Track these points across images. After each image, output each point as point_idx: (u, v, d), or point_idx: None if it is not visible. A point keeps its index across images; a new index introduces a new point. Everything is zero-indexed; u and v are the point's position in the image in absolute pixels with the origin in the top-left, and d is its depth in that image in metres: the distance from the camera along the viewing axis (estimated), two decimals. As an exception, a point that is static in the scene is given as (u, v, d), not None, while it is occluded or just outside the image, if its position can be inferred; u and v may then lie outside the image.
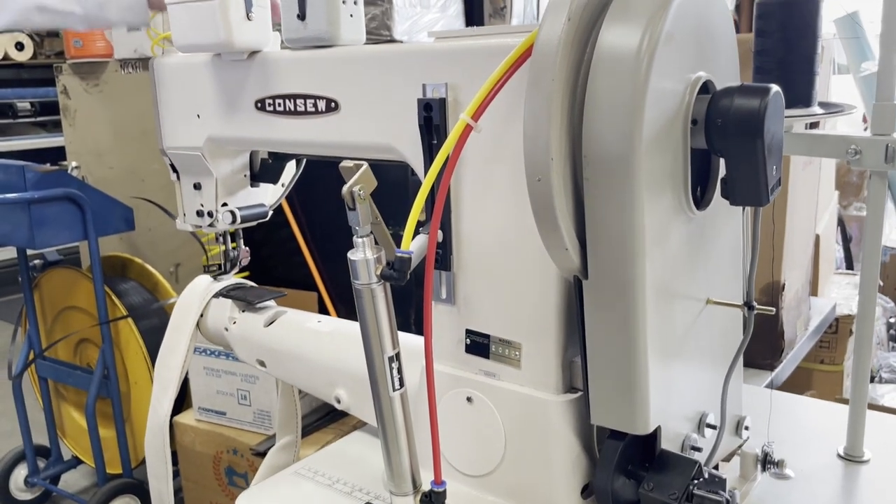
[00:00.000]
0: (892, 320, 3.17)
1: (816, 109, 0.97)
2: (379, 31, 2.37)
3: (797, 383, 2.23)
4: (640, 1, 0.70)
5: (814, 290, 2.25)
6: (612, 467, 0.80)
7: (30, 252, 2.58)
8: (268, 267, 2.69)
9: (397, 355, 0.81)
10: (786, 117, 0.95)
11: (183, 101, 1.18)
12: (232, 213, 1.21)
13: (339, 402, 1.09)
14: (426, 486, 0.84)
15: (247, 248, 1.33)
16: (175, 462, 2.60)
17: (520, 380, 0.87)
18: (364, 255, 0.77)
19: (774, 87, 0.73)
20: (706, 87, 0.78)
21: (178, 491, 2.83)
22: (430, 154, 0.88)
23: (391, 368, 0.81)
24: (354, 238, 0.77)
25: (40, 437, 2.80)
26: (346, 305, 2.41)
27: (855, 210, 3.80)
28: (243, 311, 1.24)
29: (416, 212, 0.75)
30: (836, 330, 2.44)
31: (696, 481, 0.79)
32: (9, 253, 2.62)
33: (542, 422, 0.85)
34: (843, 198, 3.75)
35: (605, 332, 0.76)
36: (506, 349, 0.88)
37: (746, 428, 1.01)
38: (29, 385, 2.85)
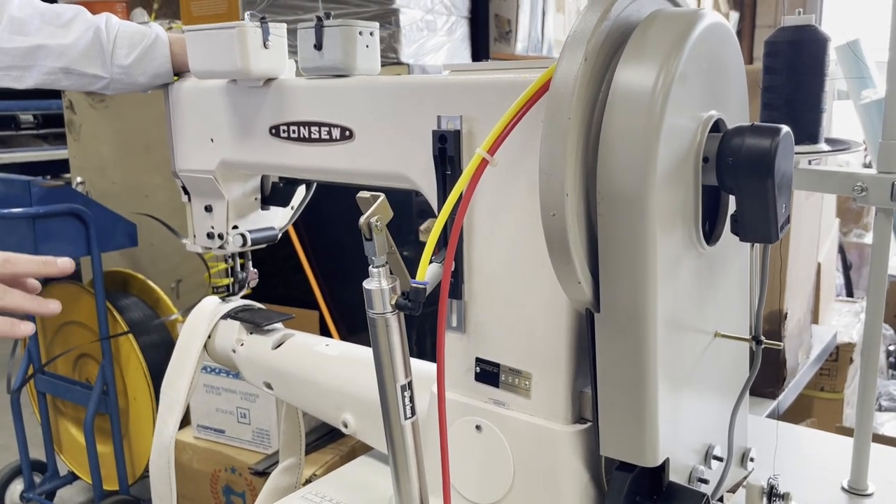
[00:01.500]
0: (891, 348, 3.18)
1: (823, 146, 0.99)
2: (386, 54, 2.40)
3: (798, 411, 2.23)
4: (655, 41, 0.72)
5: (815, 318, 2.26)
6: (621, 499, 0.81)
7: (32, 266, 2.59)
8: (269, 285, 2.69)
9: (409, 384, 0.82)
10: (795, 154, 0.97)
11: (197, 124, 1.19)
12: (243, 235, 1.22)
13: (346, 426, 1.09)
14: (435, 513, 0.85)
15: (255, 270, 1.34)
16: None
17: (529, 409, 0.88)
18: (379, 285, 0.78)
19: (785, 128, 0.74)
20: (717, 126, 0.79)
21: (175, 508, 2.82)
22: (443, 184, 0.89)
23: (403, 397, 0.81)
24: (370, 268, 0.78)
25: (37, 452, 2.80)
26: (347, 324, 2.42)
27: (855, 237, 3.82)
28: (251, 334, 1.25)
29: (432, 244, 0.77)
30: (836, 358, 2.45)
31: (703, 514, 0.80)
32: (11, 267, 2.62)
33: (551, 452, 0.86)
34: (844, 224, 3.78)
35: (616, 365, 0.77)
36: (515, 378, 0.89)
37: (752, 459, 1.02)
38: (27, 399, 2.85)
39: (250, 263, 1.33)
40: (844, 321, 2.59)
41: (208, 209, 1.24)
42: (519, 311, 0.87)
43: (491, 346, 0.91)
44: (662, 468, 0.82)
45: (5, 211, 2.35)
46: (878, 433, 2.64)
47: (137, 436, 2.67)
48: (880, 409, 2.83)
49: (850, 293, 3.26)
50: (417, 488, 0.84)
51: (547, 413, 0.87)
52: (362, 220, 0.76)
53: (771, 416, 1.65)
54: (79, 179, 2.76)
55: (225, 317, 1.27)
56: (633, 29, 0.76)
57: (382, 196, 0.78)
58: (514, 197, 0.85)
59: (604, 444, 0.81)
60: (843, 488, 1.02)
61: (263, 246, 1.29)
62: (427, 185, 0.92)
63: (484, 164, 0.77)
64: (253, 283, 1.33)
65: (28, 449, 2.71)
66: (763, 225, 0.76)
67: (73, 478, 2.85)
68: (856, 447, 1.01)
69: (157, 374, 2.49)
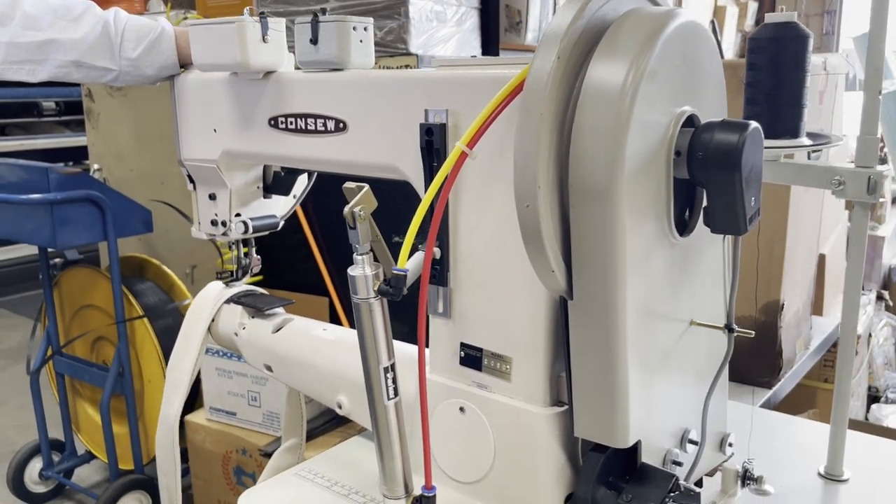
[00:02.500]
0: (900, 340, 3.17)
1: (804, 140, 1.01)
2: (395, 45, 2.43)
3: (800, 402, 2.25)
4: (626, 39, 0.75)
5: (818, 310, 2.27)
6: (594, 478, 0.84)
7: (50, 251, 2.65)
8: (280, 271, 2.75)
9: (392, 366, 0.86)
10: (774, 148, 1.00)
11: (201, 115, 1.23)
12: (244, 223, 1.26)
13: (340, 407, 1.13)
14: (417, 490, 0.89)
15: (258, 257, 1.39)
16: (186, 460, 2.67)
17: (510, 392, 0.92)
18: (363, 272, 0.82)
19: (753, 124, 0.77)
20: (691, 121, 0.82)
21: (187, 488, 2.90)
22: (430, 175, 0.93)
23: (386, 378, 0.85)
24: (354, 255, 0.82)
25: (56, 432, 2.88)
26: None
27: (869, 229, 3.80)
28: (252, 318, 1.30)
29: (413, 232, 0.80)
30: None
31: (672, 494, 0.83)
32: (31, 250, 2.70)
33: (530, 433, 0.90)
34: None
35: (589, 350, 0.81)
36: (497, 363, 0.92)
37: (730, 444, 1.05)
38: (46, 380, 2.93)
39: (254, 250, 1.37)
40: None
41: (212, 197, 1.28)
42: (501, 298, 0.91)
43: (475, 332, 0.94)
44: (635, 450, 0.86)
45: (24, 197, 2.42)
46: (882, 425, 2.65)
47: (152, 417, 2.74)
48: (886, 400, 2.83)
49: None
50: (401, 465, 0.88)
51: (526, 396, 0.90)
52: (346, 209, 0.80)
53: (765, 405, 1.67)
54: (96, 166, 2.82)
55: (228, 301, 1.32)
56: (608, 27, 0.79)
57: (367, 187, 0.82)
58: (497, 188, 0.88)
59: (577, 425, 0.85)
60: (819, 474, 1.05)
61: (266, 233, 1.33)
62: (416, 176, 0.96)
63: (463, 156, 0.81)
64: (256, 269, 1.38)
65: (47, 428, 2.79)
66: (732, 217, 0.79)
67: (90, 457, 2.93)
68: (832, 434, 1.03)
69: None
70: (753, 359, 1.72)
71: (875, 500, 1.00)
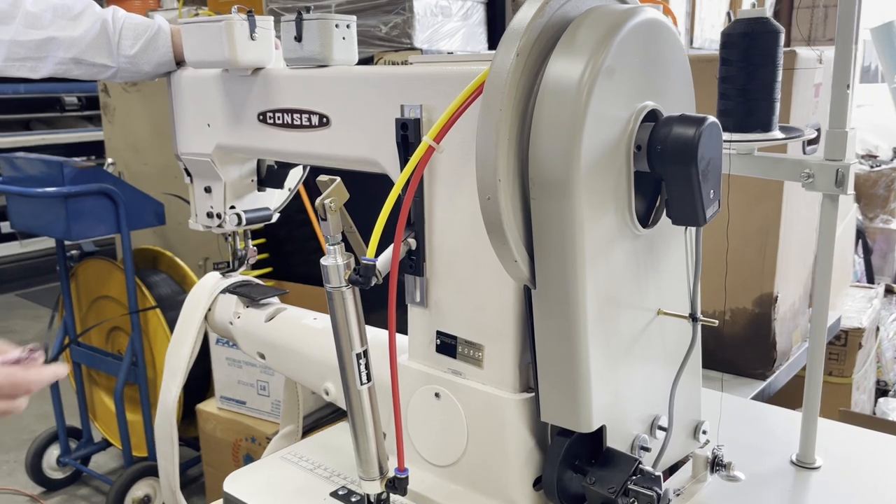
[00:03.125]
0: (905, 334, 3.15)
1: (777, 134, 1.03)
2: (400, 39, 2.46)
3: (796, 394, 2.25)
4: (583, 38, 0.77)
5: (819, 303, 2.27)
6: (558, 461, 0.87)
7: (67, 243, 2.72)
8: (290, 264, 2.80)
9: (365, 352, 0.89)
10: (746, 141, 1.01)
11: (195, 111, 1.27)
12: (238, 215, 1.30)
13: (327, 394, 1.17)
14: (392, 472, 0.93)
15: (254, 248, 1.43)
16: (197, 448, 2.72)
17: (482, 378, 0.95)
18: (335, 261, 0.85)
19: (711, 118, 0.79)
20: (654, 115, 0.84)
21: (199, 476, 2.96)
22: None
23: (359, 364, 0.89)
24: (326, 245, 0.85)
25: (73, 420, 2.95)
26: (365, 303, 2.50)
27: (881, 222, 3.77)
28: (247, 307, 1.34)
29: (381, 224, 0.83)
30: (845, 342, 2.46)
31: (634, 477, 0.86)
32: (51, 242, 2.76)
33: (500, 418, 0.93)
34: (869, 210, 3.74)
35: (552, 337, 0.84)
36: (470, 350, 0.95)
37: (704, 432, 1.08)
38: (64, 369, 3.00)
39: (249, 241, 1.41)
40: (857, 306, 2.59)
41: (208, 190, 1.32)
42: (473, 288, 0.94)
43: (449, 320, 0.97)
44: (600, 434, 0.88)
45: (40, 190, 2.49)
46: (886, 418, 2.65)
47: (165, 405, 2.80)
48: (895, 394, 2.82)
49: (870, 279, 3.23)
50: (375, 448, 0.92)
51: (497, 382, 0.93)
52: (318, 201, 0.83)
53: (758, 397, 1.69)
54: (109, 160, 2.89)
55: (224, 291, 1.36)
56: (569, 25, 0.81)
57: (338, 179, 0.85)
58: (468, 182, 0.91)
59: (543, 410, 0.88)
60: (791, 461, 1.07)
61: (260, 225, 1.37)
62: (394, 170, 0.99)
63: (430, 150, 0.84)
64: (252, 261, 1.42)
65: (64, 416, 2.86)
66: (690, 209, 0.81)
67: (106, 444, 3.00)
68: (804, 422, 1.05)
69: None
70: (748, 351, 1.74)
71: (845, 487, 1.02)
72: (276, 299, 1.36)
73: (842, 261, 2.59)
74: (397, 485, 0.92)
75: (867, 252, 3.25)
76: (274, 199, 1.39)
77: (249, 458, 2.48)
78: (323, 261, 0.86)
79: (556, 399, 0.86)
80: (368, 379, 0.90)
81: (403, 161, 0.96)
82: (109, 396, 3.00)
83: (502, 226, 0.79)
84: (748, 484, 1.01)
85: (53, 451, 2.96)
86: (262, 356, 1.30)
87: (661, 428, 0.98)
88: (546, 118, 0.77)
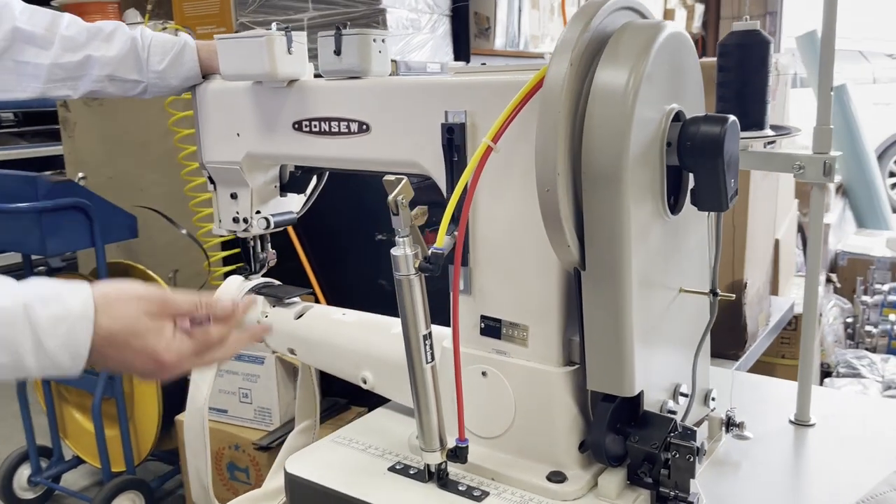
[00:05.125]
0: (848, 320, 3.40)
1: (768, 132, 1.17)
2: (374, 52, 2.54)
3: (767, 371, 2.44)
4: (626, 48, 0.89)
5: (774, 290, 2.47)
6: (605, 424, 0.98)
7: (34, 257, 2.70)
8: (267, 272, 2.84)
9: (430, 334, 0.98)
10: (743, 139, 1.15)
11: (223, 121, 1.34)
12: (266, 219, 1.38)
13: (364, 382, 1.26)
14: (450, 445, 1.02)
15: (273, 251, 1.50)
16: (170, 461, 2.73)
17: (527, 356, 1.05)
18: (404, 252, 0.95)
19: (731, 117, 0.92)
20: (678, 116, 0.97)
21: (175, 489, 2.97)
22: (451, 168, 1.06)
23: (425, 345, 0.98)
24: (397, 238, 0.95)
25: (43, 440, 2.92)
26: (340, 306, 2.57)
27: (815, 218, 4.04)
28: (274, 307, 1.41)
29: (448, 215, 0.93)
30: (795, 327, 2.67)
31: (672, 434, 0.97)
32: (15, 258, 2.74)
33: (547, 390, 1.03)
34: (804, 206, 4.01)
35: (600, 313, 0.95)
36: (515, 331, 1.06)
37: (713, 399, 1.20)
38: (31, 389, 2.96)
39: (269, 245, 1.48)
40: (803, 294, 2.80)
41: (233, 196, 1.39)
42: (516, 274, 1.04)
43: (493, 305, 1.07)
44: (639, 399, 1.00)
45: (13, 206, 2.47)
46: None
47: (142, 419, 2.80)
48: (838, 375, 3.05)
49: (809, 269, 3.47)
50: (436, 422, 1.01)
51: (542, 358, 1.04)
52: (390, 198, 0.93)
53: (734, 374, 1.84)
54: (80, 174, 2.88)
55: (249, 292, 1.43)
56: (608, 37, 0.93)
57: (405, 179, 0.94)
58: (511, 178, 1.02)
59: (590, 379, 0.99)
60: (790, 421, 1.21)
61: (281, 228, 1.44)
62: (436, 171, 1.09)
63: (489, 150, 0.94)
64: (272, 263, 1.49)
65: (34, 435, 2.83)
66: (715, 197, 0.93)
67: (77, 462, 2.97)
68: (800, 384, 1.19)
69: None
70: (721, 332, 1.89)
71: (838, 440, 1.16)
72: (299, 298, 1.43)
73: (788, 253, 2.80)
74: (458, 454, 1.01)
75: (805, 245, 3.48)
76: (294, 204, 1.46)
77: (233, 467, 2.51)
78: (393, 251, 0.95)
79: (603, 368, 0.97)
80: (432, 358, 0.99)
81: (449, 161, 1.06)
82: (80, 413, 2.98)
83: (559, 215, 0.90)
84: (756, 441, 1.14)
85: (24, 471, 2.91)
86: (293, 351, 1.37)
87: (682, 394, 1.10)
88: (598, 119, 0.88)
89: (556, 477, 1.02)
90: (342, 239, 2.46)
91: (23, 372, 0.82)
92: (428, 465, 1.04)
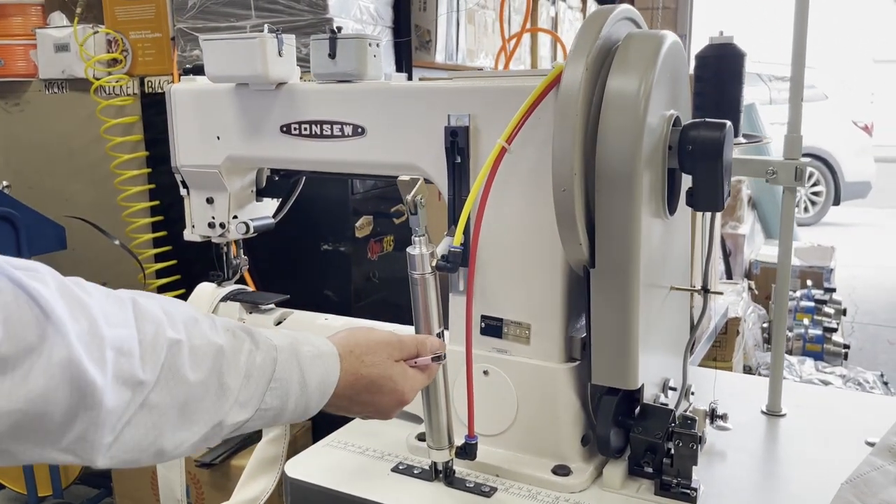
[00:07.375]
0: (765, 325, 3.59)
1: (741, 140, 1.24)
2: (320, 61, 2.53)
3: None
4: (635, 56, 0.94)
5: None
6: (610, 417, 1.02)
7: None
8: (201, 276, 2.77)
9: (442, 333, 1.00)
10: (719, 145, 1.22)
11: (202, 124, 1.32)
12: (245, 224, 1.35)
13: (354, 386, 1.25)
14: (457, 443, 1.04)
15: (246, 257, 1.47)
16: (106, 483, 2.62)
17: (529, 354, 1.08)
18: (421, 251, 0.96)
19: (728, 123, 0.98)
20: (678, 121, 1.02)
21: (109, 510, 2.83)
22: (453, 170, 1.08)
23: (437, 343, 0.99)
24: (413, 237, 0.96)
25: (-43, 466, 2.75)
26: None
27: (731, 228, 4.26)
28: (250, 313, 1.39)
29: (465, 215, 0.95)
30: (725, 331, 2.80)
31: (672, 424, 1.02)
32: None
33: (550, 386, 1.06)
34: (725, 216, 4.21)
35: (608, 309, 0.98)
36: (517, 329, 1.08)
37: (692, 393, 1.26)
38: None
39: (242, 251, 1.46)
40: (730, 299, 2.95)
41: (209, 201, 1.36)
42: (520, 274, 1.07)
43: (495, 305, 1.10)
44: (639, 392, 1.04)
45: (-66, 215, 2.33)
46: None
47: (70, 439, 2.67)
48: (760, 375, 3.22)
49: (729, 276, 3.66)
50: (445, 420, 1.02)
51: (544, 355, 1.07)
52: (409, 197, 0.94)
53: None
54: (5, 183, 2.73)
55: (223, 299, 1.40)
56: (613, 44, 0.97)
57: (421, 179, 0.96)
58: (517, 180, 1.04)
59: (596, 373, 1.02)
60: (762, 411, 1.28)
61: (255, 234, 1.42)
62: (436, 173, 1.10)
63: (503, 151, 0.97)
64: (245, 268, 1.46)
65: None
66: (713, 197, 0.99)
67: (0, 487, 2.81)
68: (772, 376, 1.27)
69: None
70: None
71: (808, 428, 1.24)
72: (274, 305, 1.41)
73: (716, 261, 2.95)
74: (468, 450, 1.03)
75: (726, 253, 3.67)
76: (269, 209, 1.44)
77: (173, 484, 2.43)
78: (409, 250, 0.96)
79: (608, 363, 1.01)
80: (444, 356, 1.00)
81: (451, 163, 1.08)
82: None
83: (574, 214, 0.93)
84: (735, 431, 1.20)
85: (-61, 501, 2.73)
86: (274, 358, 1.35)
87: (671, 388, 1.15)
88: (612, 123, 0.92)
89: (562, 470, 1.05)
90: (288, 250, 2.42)
91: (276, 420, 0.81)
92: (435, 464, 1.05)
